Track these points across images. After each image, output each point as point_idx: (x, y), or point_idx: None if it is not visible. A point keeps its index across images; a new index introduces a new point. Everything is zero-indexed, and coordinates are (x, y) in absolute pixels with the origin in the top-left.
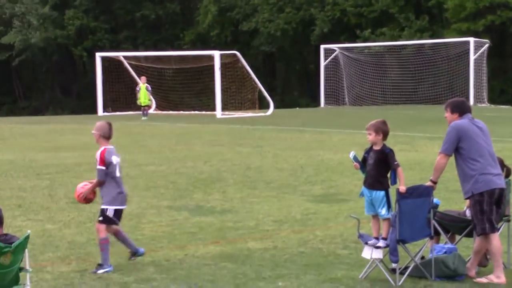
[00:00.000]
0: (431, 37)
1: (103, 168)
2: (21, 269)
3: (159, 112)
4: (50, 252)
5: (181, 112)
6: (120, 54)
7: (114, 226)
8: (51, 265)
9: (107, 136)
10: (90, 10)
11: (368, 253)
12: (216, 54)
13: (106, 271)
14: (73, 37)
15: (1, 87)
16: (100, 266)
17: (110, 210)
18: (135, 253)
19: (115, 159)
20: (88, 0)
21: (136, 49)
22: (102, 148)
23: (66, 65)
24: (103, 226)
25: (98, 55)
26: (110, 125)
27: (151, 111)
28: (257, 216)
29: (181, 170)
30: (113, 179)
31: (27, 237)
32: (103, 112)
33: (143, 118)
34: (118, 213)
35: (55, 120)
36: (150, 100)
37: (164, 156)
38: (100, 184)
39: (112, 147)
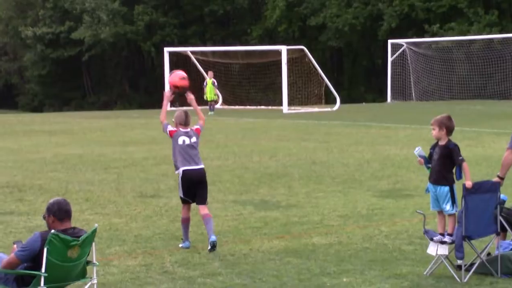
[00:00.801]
0: (501, 32)
1: (168, 133)
2: (88, 262)
3: (226, 107)
4: (116, 246)
5: (248, 107)
6: (187, 49)
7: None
8: (118, 258)
9: (182, 123)
10: (159, 5)
11: (434, 249)
12: (283, 49)
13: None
14: (142, 32)
15: (71, 82)
16: None
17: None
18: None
19: (181, 140)
20: None
21: (204, 44)
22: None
23: (134, 60)
24: None
25: (166, 50)
26: (186, 113)
27: (217, 106)
28: (322, 211)
29: (247, 165)
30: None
31: (94, 231)
32: (171, 106)
33: (210, 113)
34: None
35: (123, 114)
36: (216, 95)
37: (231, 151)
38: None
39: (184, 130)
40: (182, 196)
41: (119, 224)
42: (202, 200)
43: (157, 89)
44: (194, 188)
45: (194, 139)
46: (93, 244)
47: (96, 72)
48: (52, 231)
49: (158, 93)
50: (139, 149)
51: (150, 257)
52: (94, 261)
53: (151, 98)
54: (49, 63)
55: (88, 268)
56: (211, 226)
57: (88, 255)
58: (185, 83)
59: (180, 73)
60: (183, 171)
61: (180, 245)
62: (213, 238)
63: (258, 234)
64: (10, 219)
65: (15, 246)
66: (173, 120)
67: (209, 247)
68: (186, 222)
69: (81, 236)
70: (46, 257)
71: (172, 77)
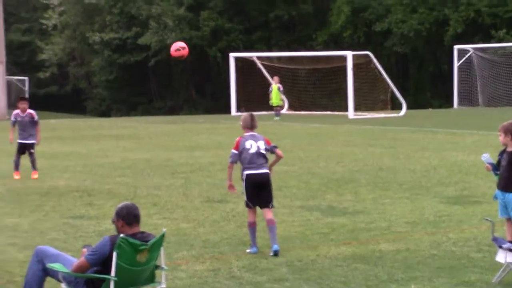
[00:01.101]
0: None
1: (235, 152)
2: (156, 266)
3: (292, 112)
4: (184, 250)
5: (313, 112)
6: (253, 55)
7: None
8: (186, 263)
9: (248, 126)
10: (224, 11)
11: (502, 256)
12: (349, 54)
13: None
14: (207, 37)
15: (138, 87)
16: None
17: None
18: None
19: (248, 144)
20: (222, 1)
21: (269, 49)
22: (239, 137)
23: (200, 66)
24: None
25: (232, 55)
26: (251, 116)
27: (283, 111)
28: (390, 218)
29: (313, 170)
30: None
31: (162, 235)
32: (236, 111)
33: (275, 118)
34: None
35: (190, 119)
36: (282, 100)
37: (297, 156)
38: (230, 165)
39: (249, 134)
40: (246, 200)
41: (187, 229)
42: (266, 204)
43: (223, 94)
44: (258, 192)
45: (261, 144)
46: (162, 248)
47: (163, 77)
48: (121, 235)
49: (224, 98)
50: (206, 154)
51: (217, 262)
52: (163, 265)
53: (217, 103)
54: (116, 68)
55: (157, 272)
56: (275, 235)
57: (156, 259)
58: (180, 53)
59: (176, 45)
60: (247, 175)
61: (248, 251)
62: (275, 247)
63: (325, 240)
64: (80, 223)
65: (85, 250)
66: (240, 123)
67: (271, 255)
68: (252, 226)
69: (149, 240)
70: (116, 261)
71: (171, 49)
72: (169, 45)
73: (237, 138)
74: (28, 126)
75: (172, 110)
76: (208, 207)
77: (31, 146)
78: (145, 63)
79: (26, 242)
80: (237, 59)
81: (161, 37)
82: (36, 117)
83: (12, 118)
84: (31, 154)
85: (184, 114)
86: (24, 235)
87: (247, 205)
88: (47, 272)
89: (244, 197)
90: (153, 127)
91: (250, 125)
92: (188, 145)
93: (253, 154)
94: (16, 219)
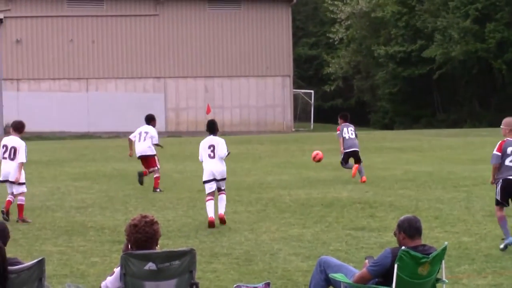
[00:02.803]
0: None
1: (498, 153)
2: (437, 280)
3: None
4: (466, 264)
5: None
6: None
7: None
8: (467, 277)
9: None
10: (511, 23)
11: None
12: None
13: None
14: (493, 50)
15: (421, 100)
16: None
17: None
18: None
19: (509, 150)
20: (509, 13)
21: None
22: (504, 139)
23: (485, 78)
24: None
25: None
26: None
27: None
28: None
29: None
30: (503, 167)
31: (444, 249)
32: None
33: None
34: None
35: (473, 132)
36: None
37: None
38: (494, 168)
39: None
40: (498, 199)
41: (468, 242)
42: None
43: (508, 107)
44: (510, 195)
45: None
46: (443, 262)
47: (446, 90)
48: (403, 247)
49: (509, 111)
50: (489, 168)
51: (500, 277)
52: (444, 278)
53: (501, 116)
54: (400, 81)
55: (438, 285)
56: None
57: (437, 272)
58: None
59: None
60: (503, 179)
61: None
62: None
63: None
64: (361, 234)
65: (366, 261)
66: (502, 127)
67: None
68: (502, 220)
69: (431, 253)
70: (397, 273)
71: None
72: (454, 57)
73: (501, 141)
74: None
75: (455, 123)
76: (490, 221)
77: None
78: (429, 76)
79: (310, 252)
80: None
81: (446, 49)
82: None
83: None
84: None
85: (468, 127)
86: (308, 245)
87: (498, 203)
88: (329, 282)
89: (497, 196)
90: (436, 139)
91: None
92: (471, 158)
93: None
94: (301, 229)
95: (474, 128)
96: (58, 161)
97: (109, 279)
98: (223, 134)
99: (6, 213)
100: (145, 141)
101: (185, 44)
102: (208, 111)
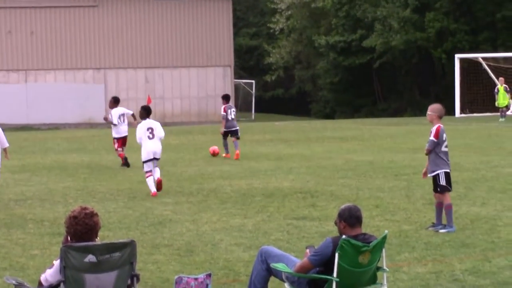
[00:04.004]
0: None
1: (435, 140)
2: (378, 268)
3: None
4: (406, 252)
5: None
6: (478, 56)
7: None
8: (407, 265)
9: (441, 116)
10: (450, 12)
11: None
12: None
13: (448, 231)
14: (432, 39)
15: (362, 89)
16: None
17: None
18: (434, 226)
19: (444, 136)
20: (448, 2)
21: (495, 50)
22: (437, 125)
23: (425, 67)
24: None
25: (457, 56)
26: (443, 106)
27: (509, 112)
28: None
29: None
30: (440, 153)
31: (384, 237)
32: (460, 113)
33: (500, 119)
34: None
35: (414, 121)
36: (508, 101)
37: None
38: (427, 153)
39: (442, 125)
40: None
41: (409, 231)
42: None
43: (448, 96)
44: None
45: None
46: (384, 250)
47: (387, 80)
48: (343, 236)
49: (448, 99)
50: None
51: (440, 264)
52: (385, 267)
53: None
54: (341, 70)
55: (378, 274)
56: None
57: (378, 261)
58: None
59: None
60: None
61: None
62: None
63: None
64: (303, 224)
65: (307, 250)
66: (429, 113)
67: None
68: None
69: (371, 242)
70: (338, 262)
71: None
72: (394, 47)
73: (437, 126)
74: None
75: (396, 112)
76: (430, 209)
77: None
78: (369, 65)
79: (251, 242)
80: (462, 60)
81: (386, 39)
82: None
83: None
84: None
85: (408, 116)
86: (249, 235)
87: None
88: (270, 272)
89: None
90: (377, 129)
91: (443, 115)
92: (411, 147)
93: (446, 147)
94: (242, 219)
95: (415, 117)
96: None
97: (49, 271)
98: (164, 125)
99: None
100: (124, 122)
101: (125, 34)
102: (148, 102)
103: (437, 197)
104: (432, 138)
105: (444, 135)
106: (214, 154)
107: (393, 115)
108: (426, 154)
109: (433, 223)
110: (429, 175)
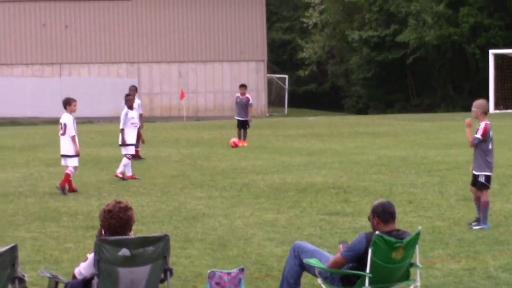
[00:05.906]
0: None
1: (481, 138)
2: (411, 264)
3: None
4: (439, 249)
5: None
6: None
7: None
8: (441, 262)
9: (486, 112)
10: (484, 7)
11: None
12: None
13: (482, 228)
14: (466, 34)
15: (395, 85)
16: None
17: (481, 176)
18: (478, 221)
19: (491, 134)
20: None
21: None
22: (484, 123)
23: (458, 63)
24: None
25: (491, 52)
26: (487, 102)
27: None
28: None
29: None
30: (486, 151)
31: (418, 233)
32: (494, 110)
33: None
34: (488, 178)
35: (447, 117)
36: None
37: None
38: (471, 146)
39: (489, 122)
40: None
41: (442, 227)
42: None
43: (481, 91)
44: None
45: None
46: (417, 246)
47: (420, 75)
48: (377, 232)
49: (482, 96)
50: (463, 152)
51: (473, 261)
52: (418, 263)
53: (474, 101)
54: (374, 65)
55: (411, 270)
56: None
57: (411, 257)
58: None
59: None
60: None
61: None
62: None
63: None
64: (336, 219)
65: (340, 246)
66: (473, 109)
67: None
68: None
69: (405, 238)
70: (371, 258)
71: None
72: (428, 42)
73: (485, 124)
74: (244, 107)
75: (429, 108)
76: (464, 205)
77: (246, 122)
78: (403, 61)
79: (284, 237)
80: (496, 56)
81: (420, 34)
82: (251, 101)
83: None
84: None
85: (441, 111)
86: (282, 230)
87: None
88: (303, 267)
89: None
90: (410, 124)
91: (488, 111)
92: (445, 143)
93: (491, 145)
94: (275, 214)
95: (448, 113)
96: (31, 146)
97: (83, 265)
98: (197, 120)
99: None
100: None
101: (159, 29)
102: (182, 97)
103: (474, 191)
104: (478, 135)
105: (491, 133)
106: (236, 146)
107: (426, 111)
108: (471, 147)
109: (476, 218)
110: (472, 172)
